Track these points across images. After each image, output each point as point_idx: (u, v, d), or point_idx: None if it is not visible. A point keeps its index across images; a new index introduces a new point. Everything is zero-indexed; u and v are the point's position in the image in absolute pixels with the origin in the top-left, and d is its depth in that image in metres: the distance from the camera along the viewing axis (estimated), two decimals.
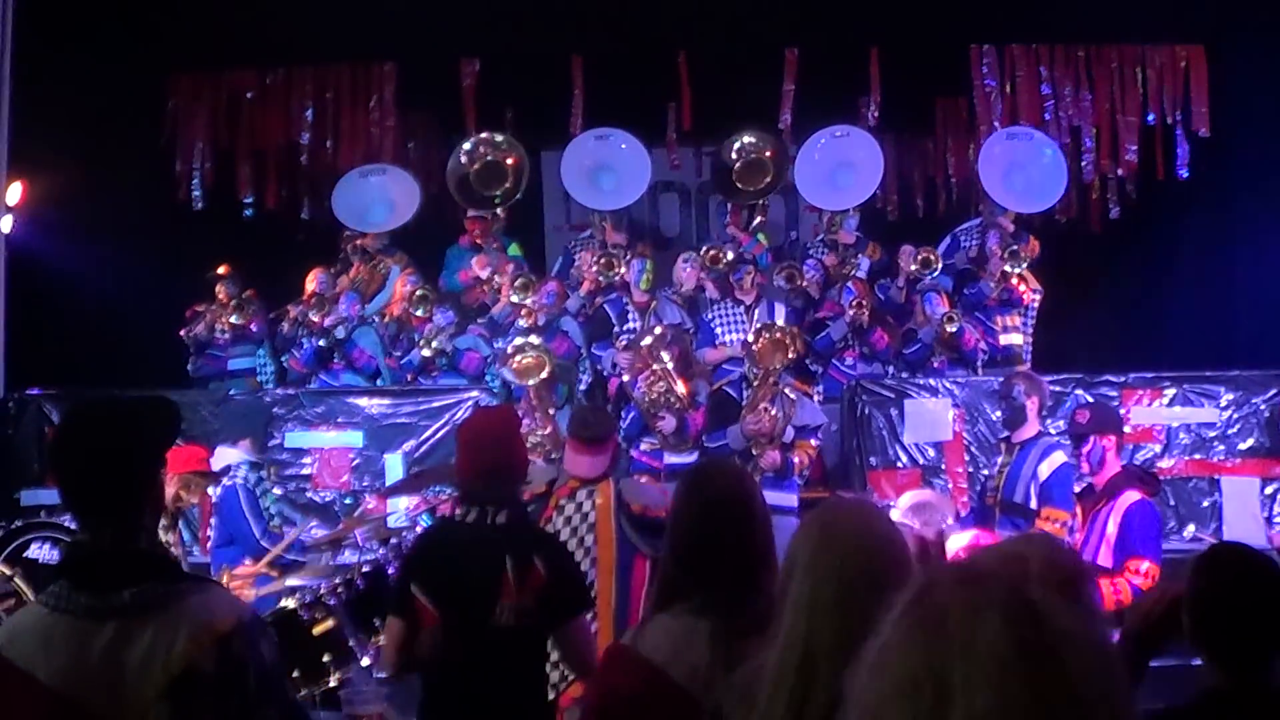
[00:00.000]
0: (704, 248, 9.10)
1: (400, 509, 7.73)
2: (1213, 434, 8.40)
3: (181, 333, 9.28)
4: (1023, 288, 9.18)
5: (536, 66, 10.34)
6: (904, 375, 8.86)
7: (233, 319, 9.26)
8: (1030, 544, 2.42)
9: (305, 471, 8.46)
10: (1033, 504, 6.39)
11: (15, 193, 8.64)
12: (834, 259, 9.42)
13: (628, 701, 2.64)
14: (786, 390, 7.48)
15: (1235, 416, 8.39)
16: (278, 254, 10.29)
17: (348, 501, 8.34)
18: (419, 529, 6.76)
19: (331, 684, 4.96)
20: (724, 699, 2.28)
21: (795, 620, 2.07)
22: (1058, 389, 8.31)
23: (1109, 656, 1.34)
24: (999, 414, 6.89)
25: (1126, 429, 7.60)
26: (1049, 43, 10.58)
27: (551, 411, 7.84)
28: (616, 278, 8.81)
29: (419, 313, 9.08)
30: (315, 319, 9.05)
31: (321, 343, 8.95)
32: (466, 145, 9.71)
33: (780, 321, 8.22)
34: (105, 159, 9.08)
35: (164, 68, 10.44)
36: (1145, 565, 5.30)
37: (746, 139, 9.73)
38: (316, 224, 10.96)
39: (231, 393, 8.95)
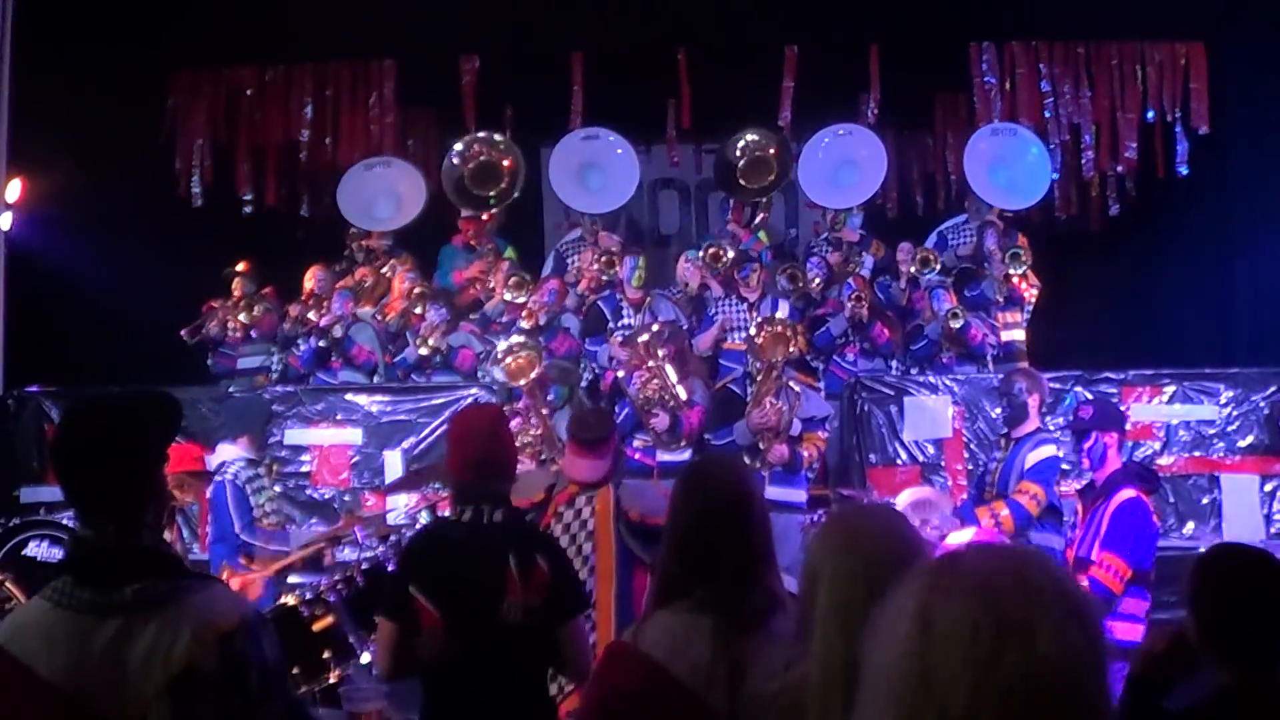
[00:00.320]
0: (705, 245, 9.08)
1: (399, 506, 7.73)
2: (1212, 431, 8.40)
3: (183, 332, 9.26)
4: (1022, 284, 9.17)
5: (536, 64, 10.34)
6: (904, 372, 8.87)
7: (241, 317, 9.24)
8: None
9: (304, 469, 8.47)
10: None
11: (15, 190, 8.64)
12: (838, 257, 9.41)
13: (629, 699, 2.63)
14: (790, 384, 7.48)
15: (1235, 414, 8.40)
16: (277, 251, 10.28)
17: (347, 499, 8.34)
18: (418, 525, 6.77)
19: (331, 681, 4.97)
20: (754, 713, 2.27)
21: (830, 631, 2.08)
22: (1057, 386, 8.32)
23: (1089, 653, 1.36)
24: (999, 411, 6.90)
25: (1126, 426, 7.61)
26: (1049, 40, 10.57)
27: (545, 412, 7.82)
28: (615, 277, 8.80)
29: (415, 310, 9.09)
30: (313, 318, 9.04)
31: (321, 343, 8.94)
32: (460, 145, 9.71)
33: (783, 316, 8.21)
34: (105, 156, 9.08)
35: (163, 65, 10.42)
36: (1108, 560, 5.32)
37: (750, 136, 9.72)
38: (316, 221, 10.97)
39: (231, 389, 8.95)
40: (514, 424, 7.65)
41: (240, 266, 9.45)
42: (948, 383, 8.52)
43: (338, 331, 8.95)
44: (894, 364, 9.03)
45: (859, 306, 8.60)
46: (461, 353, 8.89)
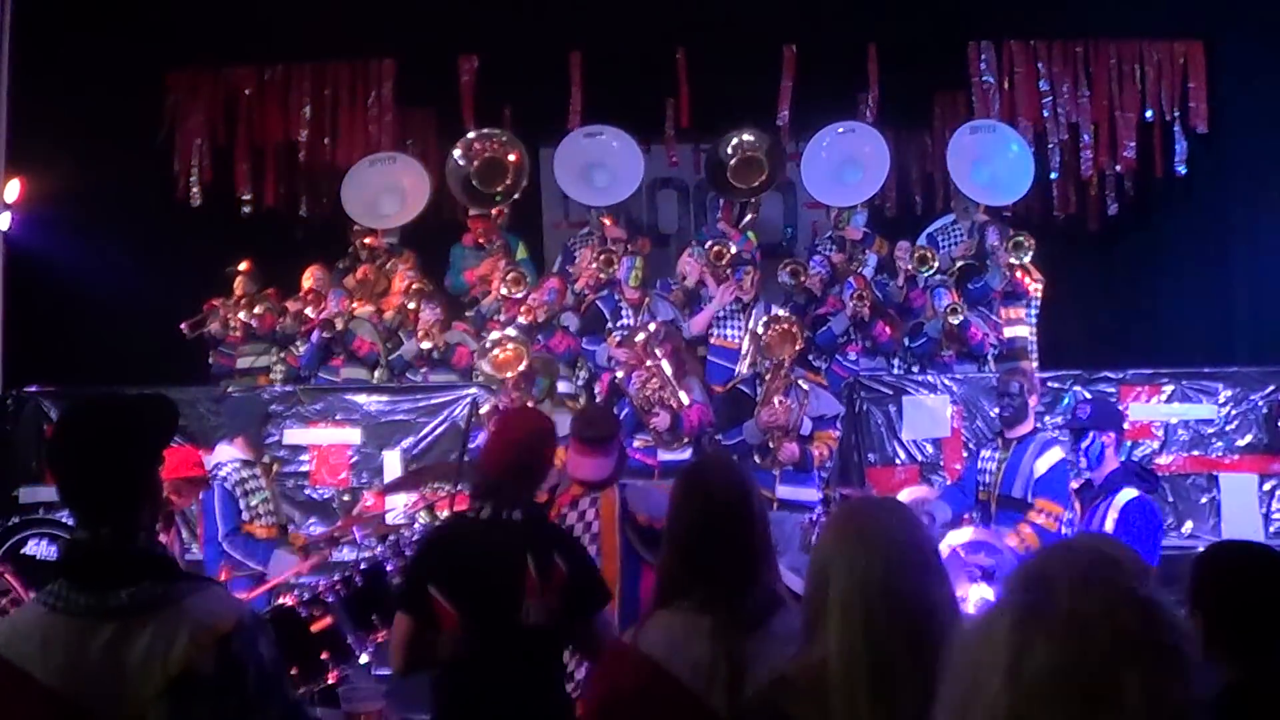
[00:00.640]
0: (708, 243, 9.07)
1: (399, 506, 7.72)
2: (1211, 430, 8.41)
3: (183, 326, 9.25)
4: (1026, 279, 9.16)
5: (535, 63, 10.33)
6: (904, 371, 8.86)
7: (241, 316, 9.22)
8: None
9: (303, 469, 8.46)
10: (1029, 499, 6.41)
11: (13, 190, 8.63)
12: (841, 256, 9.41)
13: (629, 699, 2.64)
14: (800, 382, 7.49)
15: (1233, 413, 8.41)
16: (276, 251, 10.27)
17: (346, 498, 8.33)
18: (417, 525, 6.77)
19: (330, 681, 4.96)
20: (766, 702, 2.27)
21: (847, 623, 2.09)
22: (1056, 385, 8.34)
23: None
24: (997, 410, 6.89)
25: (1125, 425, 7.61)
26: (1047, 39, 10.57)
27: (531, 405, 7.79)
28: (614, 274, 8.80)
29: (411, 306, 9.09)
30: (311, 315, 9.03)
31: (326, 335, 8.91)
32: (463, 143, 9.71)
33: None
34: (104, 156, 9.06)
35: (162, 65, 10.42)
36: (1055, 510, 5.33)
37: (742, 137, 9.72)
38: (315, 221, 10.96)
39: (229, 389, 8.94)
40: None
41: (243, 266, 9.44)
42: (946, 382, 8.53)
43: (339, 324, 8.93)
44: (896, 362, 9.02)
45: (861, 305, 8.59)
46: (458, 350, 8.89)
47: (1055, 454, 6.42)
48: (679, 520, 2.78)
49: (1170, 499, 8.22)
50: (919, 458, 8.44)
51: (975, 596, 5.40)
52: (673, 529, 2.79)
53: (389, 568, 5.34)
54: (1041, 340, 9.42)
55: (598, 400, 8.16)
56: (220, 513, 6.70)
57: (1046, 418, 7.97)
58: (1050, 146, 10.51)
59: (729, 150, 9.73)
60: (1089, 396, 8.02)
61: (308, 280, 9.34)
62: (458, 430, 8.30)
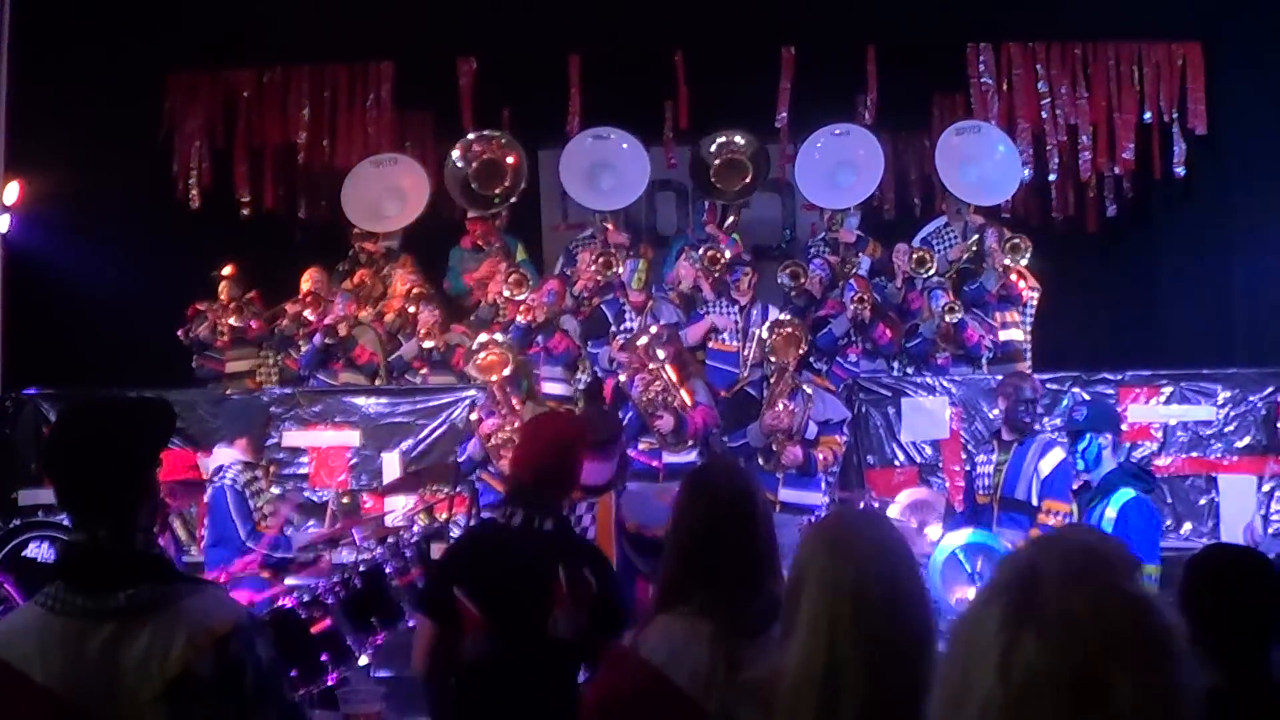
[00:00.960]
0: (702, 249, 9.08)
1: (397, 508, 7.72)
2: (1210, 432, 8.41)
3: (180, 333, 9.27)
4: (1021, 284, 9.17)
5: (533, 65, 10.33)
6: (903, 373, 8.86)
7: (231, 321, 9.23)
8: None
9: (302, 471, 8.47)
10: (1034, 500, 6.43)
11: (12, 192, 8.63)
12: (836, 259, 9.41)
13: (627, 703, 2.63)
14: (805, 386, 7.49)
15: (1232, 414, 8.41)
16: (275, 253, 10.28)
17: (345, 501, 8.33)
18: (416, 527, 6.79)
19: (330, 683, 4.97)
20: (732, 702, 2.28)
21: (814, 635, 2.06)
22: (1054, 387, 8.34)
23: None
24: (1001, 414, 6.91)
25: (1124, 427, 7.63)
26: (1046, 40, 10.57)
27: (517, 405, 7.80)
28: (615, 277, 8.80)
29: (412, 310, 9.10)
30: (311, 318, 9.04)
31: (328, 340, 8.91)
32: (462, 145, 9.72)
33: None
34: (102, 158, 9.06)
35: (161, 67, 10.41)
36: (1063, 509, 5.34)
37: (727, 138, 9.72)
38: (314, 223, 10.96)
39: (229, 392, 8.94)
40: (492, 423, 7.67)
41: (226, 269, 9.43)
42: (945, 384, 8.53)
43: (342, 330, 8.93)
44: (895, 365, 9.02)
45: (862, 308, 8.59)
46: (457, 352, 8.89)
47: (1057, 454, 6.46)
48: (682, 524, 2.77)
49: (1169, 500, 8.21)
50: (918, 459, 8.44)
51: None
52: (676, 532, 2.78)
53: (388, 570, 5.36)
54: (1040, 342, 9.43)
55: (603, 404, 8.17)
56: (238, 514, 6.73)
57: (1046, 419, 7.98)
58: (1049, 148, 10.50)
59: (712, 149, 9.73)
60: (1087, 398, 8.02)
61: (306, 283, 9.34)
62: (457, 432, 8.31)
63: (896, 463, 8.44)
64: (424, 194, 9.96)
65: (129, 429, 2.46)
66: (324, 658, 4.99)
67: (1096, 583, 1.38)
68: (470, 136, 9.86)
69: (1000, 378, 7.80)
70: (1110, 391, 8.40)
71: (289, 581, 6.44)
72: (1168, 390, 8.45)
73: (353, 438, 8.47)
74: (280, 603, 5.18)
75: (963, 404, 8.43)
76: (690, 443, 7.68)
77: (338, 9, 9.71)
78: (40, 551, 7.22)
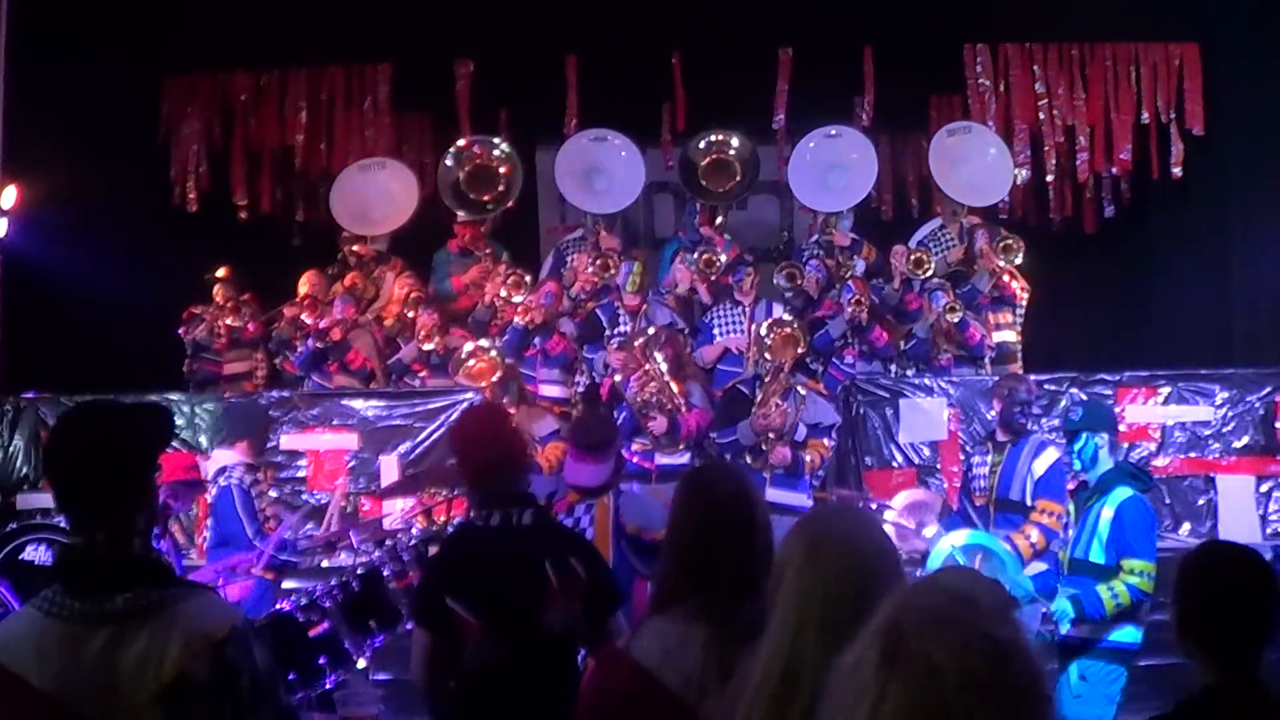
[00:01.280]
0: (697, 252, 9.07)
1: (396, 511, 7.72)
2: (1208, 432, 8.42)
3: (180, 331, 9.26)
4: (1013, 284, 9.17)
5: (531, 67, 10.34)
6: (901, 374, 8.85)
7: (229, 322, 9.22)
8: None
9: (300, 474, 8.46)
10: (1028, 501, 6.44)
11: (10, 196, 8.63)
12: (831, 261, 9.40)
13: (619, 705, 2.63)
14: (799, 388, 7.49)
15: (1230, 414, 8.41)
16: (272, 256, 10.28)
17: (343, 504, 8.32)
18: (414, 530, 6.77)
19: (328, 686, 4.96)
20: (716, 709, 2.28)
21: (780, 633, 2.06)
22: (1052, 388, 8.34)
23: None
24: (993, 413, 6.91)
25: (1122, 427, 7.62)
26: (1042, 41, 10.58)
27: (511, 410, 7.80)
28: (611, 280, 8.80)
29: (410, 314, 9.10)
30: (309, 321, 9.03)
31: (320, 345, 8.92)
32: (456, 149, 9.72)
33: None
34: (100, 162, 9.07)
35: (158, 70, 10.43)
36: (1139, 566, 5.32)
37: (717, 138, 9.71)
38: (311, 226, 10.96)
39: (228, 395, 8.94)
40: None
41: (221, 272, 9.42)
42: (943, 385, 8.53)
43: (336, 334, 8.93)
44: (892, 367, 9.01)
45: (859, 310, 8.58)
46: (455, 355, 8.89)
47: (1051, 454, 6.46)
48: (679, 526, 2.75)
49: (1167, 501, 8.22)
50: (916, 460, 8.43)
51: None
52: (672, 534, 2.76)
53: (386, 573, 5.34)
54: (1038, 342, 9.43)
55: (599, 406, 8.17)
56: (245, 514, 6.73)
57: (1044, 420, 7.98)
58: (1046, 149, 10.52)
59: (700, 147, 9.73)
60: (1085, 399, 8.02)
61: (304, 286, 9.34)
62: None
63: (895, 464, 8.44)
64: (412, 199, 9.96)
65: (127, 433, 2.46)
66: (322, 661, 4.97)
67: (959, 629, 1.37)
68: (464, 141, 9.85)
69: (998, 381, 7.80)
70: (1108, 392, 8.40)
71: (287, 585, 6.44)
72: (1165, 391, 8.45)
73: (351, 441, 8.46)
74: (278, 605, 5.18)
75: (961, 405, 8.42)
76: (681, 445, 7.68)
77: (335, 12, 9.72)
78: (37, 554, 7.21)
